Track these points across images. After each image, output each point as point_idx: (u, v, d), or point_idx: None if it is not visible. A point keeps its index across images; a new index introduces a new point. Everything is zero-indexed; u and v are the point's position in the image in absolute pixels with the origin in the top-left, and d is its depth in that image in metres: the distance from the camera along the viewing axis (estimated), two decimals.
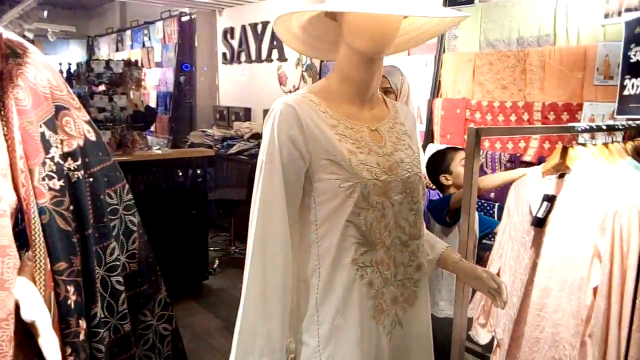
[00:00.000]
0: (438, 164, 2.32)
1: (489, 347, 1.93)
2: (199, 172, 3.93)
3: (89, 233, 1.00)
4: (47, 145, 0.96)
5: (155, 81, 6.72)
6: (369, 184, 1.10)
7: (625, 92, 1.94)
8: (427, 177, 2.33)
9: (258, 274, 1.09)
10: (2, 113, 0.90)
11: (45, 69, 1.01)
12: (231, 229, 4.56)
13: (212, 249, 4.25)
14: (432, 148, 3.38)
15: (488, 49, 3.13)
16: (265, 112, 5.12)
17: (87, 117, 1.07)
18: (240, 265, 4.23)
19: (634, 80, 1.90)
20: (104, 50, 8.46)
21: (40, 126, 0.96)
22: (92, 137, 1.05)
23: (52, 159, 0.96)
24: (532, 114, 2.85)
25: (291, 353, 1.15)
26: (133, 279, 1.13)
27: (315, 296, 1.12)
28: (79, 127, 1.03)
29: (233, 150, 5.08)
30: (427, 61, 3.48)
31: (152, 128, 6.12)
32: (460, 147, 2.45)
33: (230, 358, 1.08)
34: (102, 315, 1.01)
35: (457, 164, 2.26)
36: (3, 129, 0.90)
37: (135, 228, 1.14)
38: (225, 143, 5.28)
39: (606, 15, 2.55)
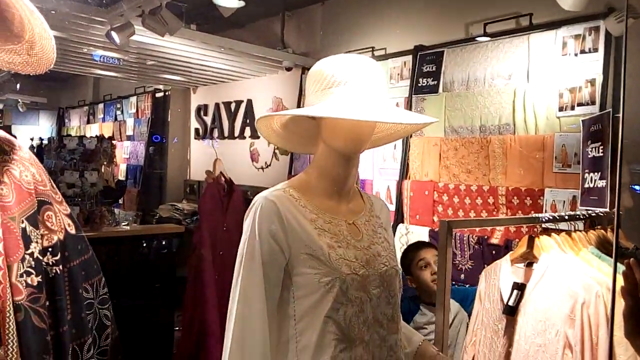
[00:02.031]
0: (403, 264, 2.25)
1: None
2: (167, 247, 3.87)
3: (64, 330, 0.97)
4: (27, 241, 0.95)
5: (126, 154, 6.72)
6: (347, 279, 1.12)
7: (586, 185, 2.06)
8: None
9: None
10: None
11: (31, 165, 1.02)
12: None
13: (177, 328, 4.09)
14: (402, 228, 3.44)
15: (453, 135, 3.29)
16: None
17: (68, 211, 1.08)
18: None
19: (592, 174, 2.03)
20: (75, 121, 8.47)
21: (22, 222, 0.95)
22: (72, 230, 1.05)
23: (31, 254, 0.95)
24: (497, 197, 2.97)
25: None
26: None
27: None
28: (60, 221, 1.03)
29: None
30: (395, 144, 3.61)
31: (120, 201, 6.04)
32: (425, 242, 2.35)
33: None
34: None
35: (415, 267, 2.15)
36: None
37: (109, 323, 1.12)
38: (195, 217, 5.23)
39: (561, 108, 2.74)
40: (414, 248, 2.21)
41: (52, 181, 1.05)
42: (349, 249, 1.17)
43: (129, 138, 6.78)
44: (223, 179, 3.34)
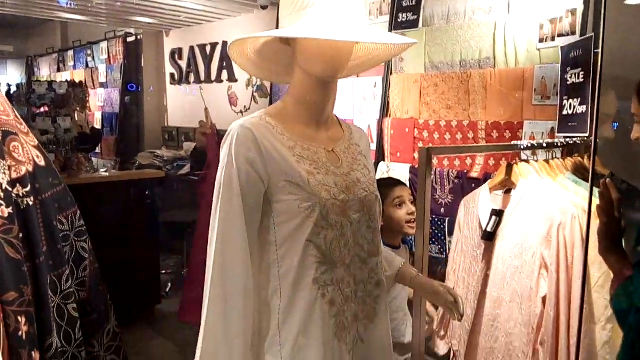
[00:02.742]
0: None
1: (447, 358, 1.98)
2: (148, 194, 3.84)
3: (41, 261, 0.96)
4: None
5: (100, 102, 6.54)
6: (327, 204, 1.12)
7: (564, 112, 2.06)
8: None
9: (218, 296, 1.08)
10: None
11: None
12: (184, 251, 4.45)
13: (163, 272, 4.13)
14: (383, 166, 3.45)
15: (433, 70, 3.25)
16: (218, 132, 5.07)
17: (36, 142, 1.04)
18: None
19: (571, 100, 2.03)
20: (45, 70, 8.17)
21: None
22: (42, 162, 1.02)
23: (0, 186, 0.92)
24: (477, 132, 2.97)
25: None
26: (82, 308, 1.09)
27: (277, 317, 1.12)
28: (27, 152, 0.99)
29: (183, 171, 4.99)
30: (375, 82, 3.56)
31: (98, 150, 5.93)
32: (399, 180, 2.11)
33: None
34: (59, 345, 0.97)
35: (389, 205, 1.87)
36: None
37: (86, 255, 1.11)
38: (175, 164, 5.18)
39: (541, 40, 2.70)
40: (389, 184, 2.00)
41: (15, 111, 1.01)
42: (329, 176, 1.16)
43: (102, 85, 6.58)
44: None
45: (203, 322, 1.08)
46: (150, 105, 6.36)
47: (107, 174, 3.63)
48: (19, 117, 1.00)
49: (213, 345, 1.07)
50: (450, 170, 3.06)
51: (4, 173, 0.93)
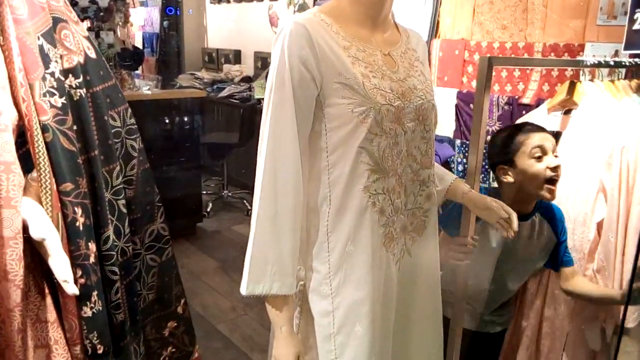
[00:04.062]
0: (499, 148, 1.55)
1: None
2: (190, 114, 3.84)
3: (95, 154, 0.96)
4: (46, 60, 0.89)
5: (141, 21, 6.47)
6: (382, 109, 1.06)
7: (636, 27, 1.90)
8: (486, 159, 1.68)
9: (269, 198, 1.06)
10: None
11: None
12: (224, 173, 4.52)
13: (204, 192, 4.22)
14: None
15: None
16: (257, 54, 5.00)
17: (86, 33, 1.00)
18: (232, 209, 4.28)
19: None
20: None
21: (38, 38, 0.89)
22: (93, 54, 0.99)
23: (52, 74, 0.90)
24: (533, 55, 2.80)
25: (301, 280, 1.15)
26: (128, 205, 1.08)
27: (326, 223, 1.10)
28: (78, 42, 0.96)
29: (224, 93, 4.96)
30: (424, 1, 3.37)
31: (139, 70, 5.94)
32: (540, 127, 1.54)
33: (242, 284, 1.07)
34: (113, 239, 0.98)
35: (526, 156, 1.45)
36: None
37: (135, 154, 1.09)
38: (215, 86, 5.15)
39: None
40: (525, 130, 1.50)
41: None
42: (384, 80, 1.09)
43: (142, 4, 6.48)
44: None
45: (253, 224, 1.07)
46: (190, 26, 6.25)
47: (150, 92, 3.63)
48: (68, 4, 0.95)
49: (263, 248, 1.06)
50: (500, 96, 2.92)
51: (56, 61, 0.90)
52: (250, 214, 1.11)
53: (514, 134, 1.51)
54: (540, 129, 1.52)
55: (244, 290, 1.06)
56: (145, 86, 3.88)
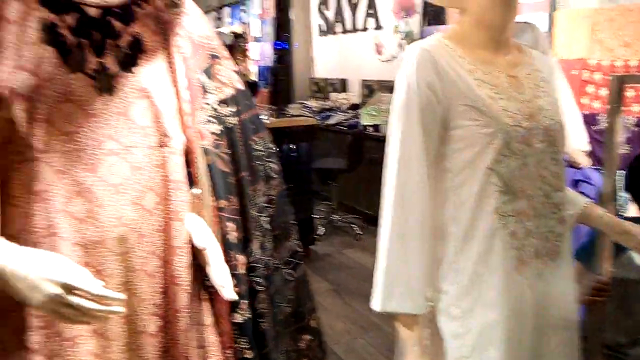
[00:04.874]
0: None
1: None
2: (301, 141, 4.03)
3: (244, 175, 1.07)
4: (205, 92, 1.03)
5: (256, 56, 6.92)
6: (511, 131, 1.07)
7: None
8: (629, 191, 1.61)
9: (397, 218, 1.09)
10: (169, 60, 0.98)
11: (200, 19, 1.07)
12: (333, 197, 4.64)
13: (316, 216, 4.35)
14: None
15: (609, 4, 2.91)
16: (363, 82, 5.12)
17: (235, 67, 1.13)
18: (342, 233, 4.33)
19: None
20: None
21: (200, 73, 1.03)
22: (240, 86, 1.12)
23: (210, 104, 1.03)
24: None
25: (429, 301, 1.15)
26: (269, 223, 1.18)
27: (454, 244, 1.11)
28: (229, 76, 1.09)
29: (332, 121, 5.14)
30: (538, 19, 3.29)
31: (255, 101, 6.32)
32: None
33: (374, 299, 1.10)
34: (258, 252, 1.08)
35: None
36: (170, 75, 0.97)
37: (275, 176, 1.19)
38: (323, 114, 5.34)
39: None
40: None
41: (217, 37, 1.10)
42: (511, 101, 1.10)
43: (256, 40, 6.94)
44: None
45: (381, 244, 1.10)
46: (299, 58, 6.56)
47: (268, 120, 3.86)
48: (220, 42, 1.09)
49: (391, 267, 1.08)
50: (628, 117, 2.75)
51: (213, 93, 1.03)
52: (360, 238, 1.16)
53: None
54: None
55: (377, 306, 1.09)
56: (262, 116, 4.14)
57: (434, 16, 4.25)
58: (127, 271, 0.90)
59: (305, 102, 5.81)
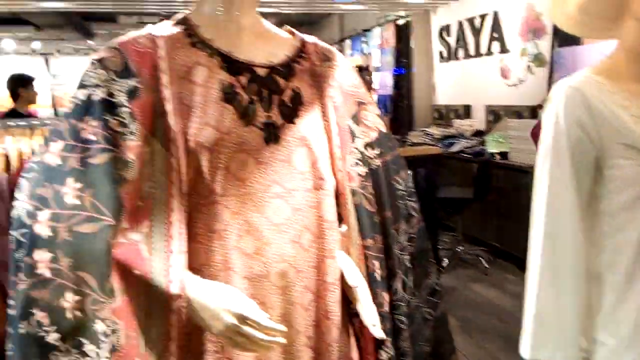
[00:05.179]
0: None
1: None
2: (424, 170, 4.00)
3: (387, 215, 1.10)
4: (354, 136, 1.09)
5: (376, 85, 7.05)
6: None
7: None
8: None
9: (548, 261, 1.06)
10: (323, 110, 1.06)
11: (348, 69, 1.15)
12: (459, 228, 4.52)
13: (440, 247, 4.26)
14: None
15: None
16: (488, 107, 4.99)
17: (378, 112, 1.19)
18: (468, 266, 4.18)
19: None
20: None
21: (348, 119, 1.10)
22: (383, 128, 1.17)
23: (357, 148, 1.09)
24: None
25: (583, 352, 1.09)
26: (409, 260, 1.20)
27: (613, 292, 1.05)
28: (374, 120, 1.15)
29: (455, 148, 5.04)
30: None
31: None
32: None
33: (523, 345, 1.07)
34: (401, 290, 1.11)
35: None
36: (324, 123, 1.06)
37: (415, 214, 1.21)
38: (446, 142, 5.27)
39: None
40: None
41: (363, 84, 1.17)
42: None
43: (377, 69, 7.07)
44: None
45: (531, 288, 1.07)
46: (420, 86, 6.57)
47: None
48: (365, 89, 1.16)
49: (543, 313, 1.05)
50: None
51: (360, 137, 1.09)
52: (488, 272, 1.13)
53: None
54: None
55: (526, 354, 1.06)
56: None
57: (566, 37, 4.02)
58: (286, 304, 0.97)
59: (426, 129, 5.77)
